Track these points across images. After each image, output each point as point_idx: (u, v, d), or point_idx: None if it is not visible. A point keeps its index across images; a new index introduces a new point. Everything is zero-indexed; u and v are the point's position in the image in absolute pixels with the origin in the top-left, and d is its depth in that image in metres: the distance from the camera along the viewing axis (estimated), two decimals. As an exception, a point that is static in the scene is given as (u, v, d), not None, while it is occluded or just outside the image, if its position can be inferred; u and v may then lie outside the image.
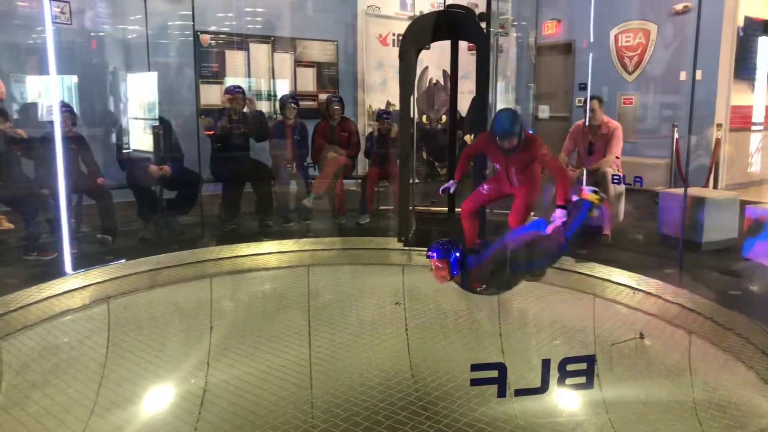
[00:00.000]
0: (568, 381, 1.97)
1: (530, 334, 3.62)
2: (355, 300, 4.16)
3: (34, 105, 5.36)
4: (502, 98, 8.02)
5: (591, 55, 7.33)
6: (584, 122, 5.58)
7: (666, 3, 7.58)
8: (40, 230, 4.54)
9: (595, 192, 3.30)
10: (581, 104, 8.32)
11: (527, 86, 8.31)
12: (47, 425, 2.62)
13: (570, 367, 1.96)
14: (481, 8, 4.56)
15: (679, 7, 7.43)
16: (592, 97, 5.46)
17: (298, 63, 7.49)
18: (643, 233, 5.38)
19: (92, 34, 6.19)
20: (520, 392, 2.04)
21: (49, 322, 3.43)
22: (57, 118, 4.43)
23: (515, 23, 7.99)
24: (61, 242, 4.22)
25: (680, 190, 4.87)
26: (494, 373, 1.95)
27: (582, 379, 1.95)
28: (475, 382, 2.03)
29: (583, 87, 8.36)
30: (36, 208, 4.52)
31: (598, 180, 5.21)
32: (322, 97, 7.27)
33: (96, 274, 4.00)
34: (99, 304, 3.69)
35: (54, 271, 4.07)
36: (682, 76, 7.32)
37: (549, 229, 3.19)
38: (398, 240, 4.37)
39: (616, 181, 5.15)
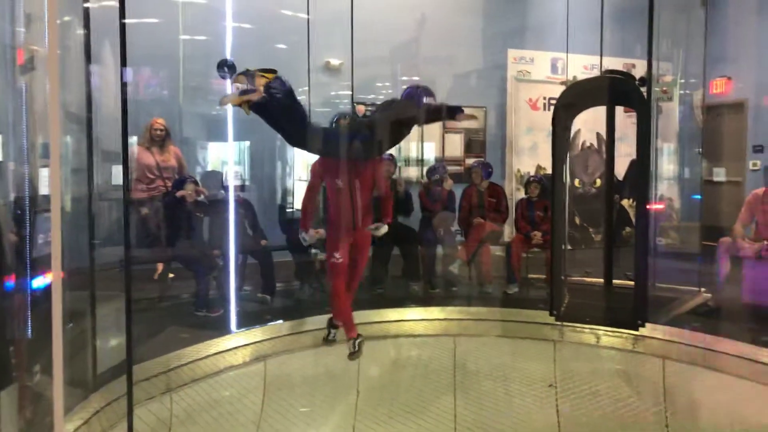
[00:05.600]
0: None
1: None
2: (502, 377, 3.98)
3: (214, 173, 5.96)
4: (666, 161, 7.50)
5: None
6: (765, 190, 5.01)
7: None
8: (209, 288, 4.95)
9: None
10: (756, 168, 7.53)
11: (696, 151, 7.67)
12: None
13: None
14: (639, 69, 4.33)
15: None
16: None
17: (447, 130, 7.63)
18: None
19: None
20: None
21: (213, 377, 3.67)
22: (231, 184, 4.88)
23: (682, 81, 7.47)
24: (228, 301, 4.57)
25: None
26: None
27: None
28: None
29: (758, 149, 7.58)
30: (207, 267, 4.94)
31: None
32: (470, 162, 7.30)
33: (256, 333, 4.25)
34: (257, 363, 3.89)
35: (220, 328, 4.39)
36: None
37: None
38: (550, 314, 4.14)
39: (808, 256, 4.52)
